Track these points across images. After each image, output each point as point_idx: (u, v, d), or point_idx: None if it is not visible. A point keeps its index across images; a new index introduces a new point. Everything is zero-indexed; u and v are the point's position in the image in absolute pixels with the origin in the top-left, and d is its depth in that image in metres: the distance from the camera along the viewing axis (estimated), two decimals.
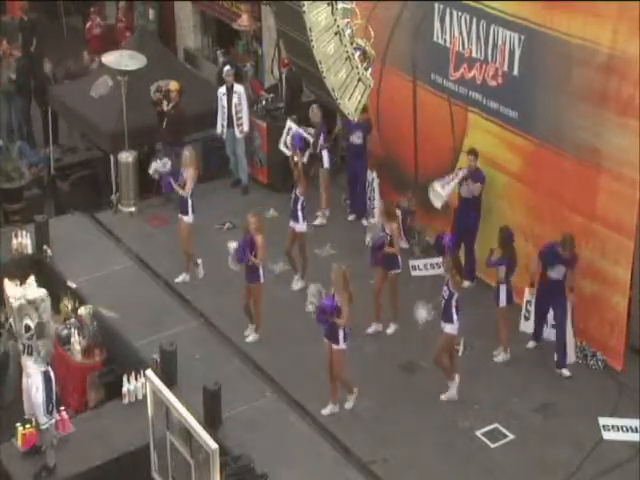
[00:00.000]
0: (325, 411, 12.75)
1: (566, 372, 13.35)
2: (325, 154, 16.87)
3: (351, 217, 17.17)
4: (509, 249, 13.33)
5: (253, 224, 13.64)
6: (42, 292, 11.44)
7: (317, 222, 16.81)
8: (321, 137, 16.79)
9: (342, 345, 12.45)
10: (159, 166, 15.78)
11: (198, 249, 15.93)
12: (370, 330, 14.25)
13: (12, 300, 11.33)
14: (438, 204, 14.87)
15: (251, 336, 14.13)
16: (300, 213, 14.96)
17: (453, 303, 12.55)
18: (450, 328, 12.65)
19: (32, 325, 11.20)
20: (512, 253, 13.39)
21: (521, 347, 13.79)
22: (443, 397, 12.92)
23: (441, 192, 14.68)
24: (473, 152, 14.61)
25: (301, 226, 15.06)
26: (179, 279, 15.46)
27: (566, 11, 13.17)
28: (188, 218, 15.23)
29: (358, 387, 12.87)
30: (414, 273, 15.18)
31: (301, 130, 16.85)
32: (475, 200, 14.69)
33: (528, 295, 13.75)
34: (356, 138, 16.64)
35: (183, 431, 10.39)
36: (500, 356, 13.63)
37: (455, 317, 12.58)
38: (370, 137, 16.76)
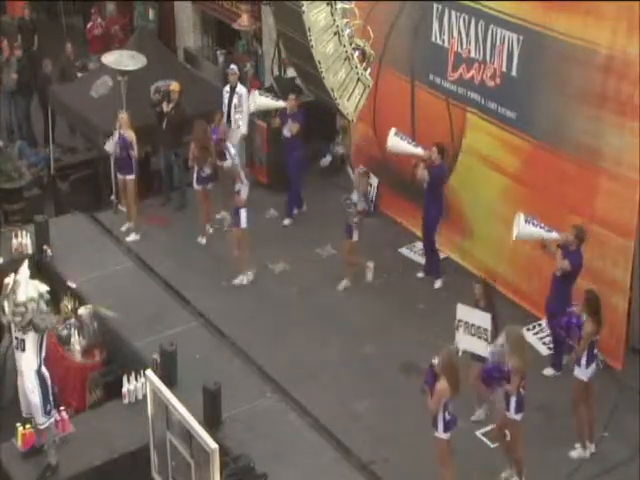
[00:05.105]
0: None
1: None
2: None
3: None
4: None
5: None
6: (40, 287, 11.26)
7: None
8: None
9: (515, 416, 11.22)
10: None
11: (198, 249, 15.97)
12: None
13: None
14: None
15: None
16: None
17: (583, 345, 11.60)
18: (577, 371, 11.82)
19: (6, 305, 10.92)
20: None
21: None
22: (574, 454, 12.07)
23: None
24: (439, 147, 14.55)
25: (228, 162, 15.93)
26: (124, 228, 16.57)
27: (565, 11, 13.19)
28: (131, 177, 16.32)
29: (358, 387, 12.89)
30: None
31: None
32: (432, 189, 14.63)
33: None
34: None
35: (183, 431, 10.39)
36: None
37: (583, 361, 11.66)
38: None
